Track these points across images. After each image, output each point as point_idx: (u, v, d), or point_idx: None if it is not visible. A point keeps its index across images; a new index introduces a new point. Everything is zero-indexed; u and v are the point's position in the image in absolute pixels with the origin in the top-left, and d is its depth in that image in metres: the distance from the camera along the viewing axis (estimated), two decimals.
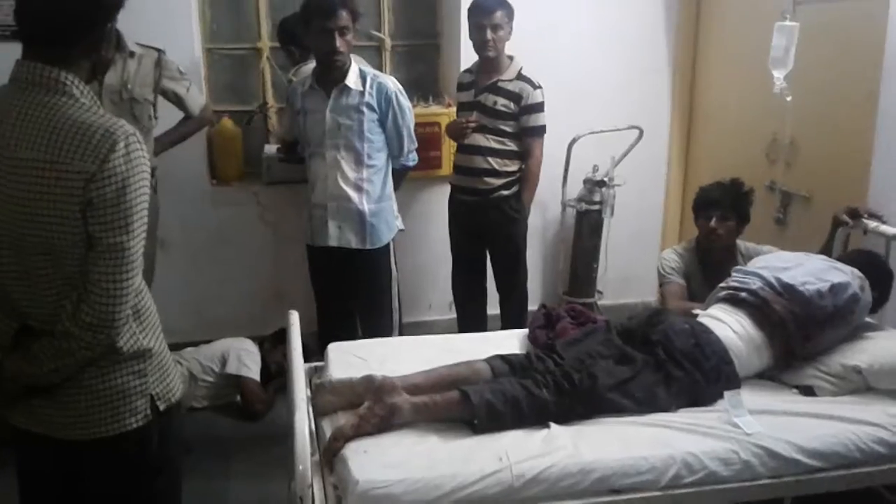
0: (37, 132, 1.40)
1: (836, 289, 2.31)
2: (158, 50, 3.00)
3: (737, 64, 3.84)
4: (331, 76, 2.89)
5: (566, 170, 3.97)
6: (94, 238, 1.41)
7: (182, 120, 3.22)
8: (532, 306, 3.57)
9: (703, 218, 2.88)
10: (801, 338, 2.28)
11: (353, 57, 2.95)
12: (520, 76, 3.31)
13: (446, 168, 3.75)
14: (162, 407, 1.62)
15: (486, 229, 3.46)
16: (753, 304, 2.33)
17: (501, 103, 3.29)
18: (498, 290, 3.61)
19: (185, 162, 3.65)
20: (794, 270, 2.39)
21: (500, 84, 3.30)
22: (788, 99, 3.04)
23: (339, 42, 2.79)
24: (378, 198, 3.00)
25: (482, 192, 3.37)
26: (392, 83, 2.96)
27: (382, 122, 2.96)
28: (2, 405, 1.59)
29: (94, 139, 1.39)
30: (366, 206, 2.96)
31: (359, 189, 2.95)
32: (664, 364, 2.17)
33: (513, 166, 3.37)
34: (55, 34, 1.44)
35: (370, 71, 2.97)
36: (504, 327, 3.43)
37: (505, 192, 3.38)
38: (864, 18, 2.99)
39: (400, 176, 3.18)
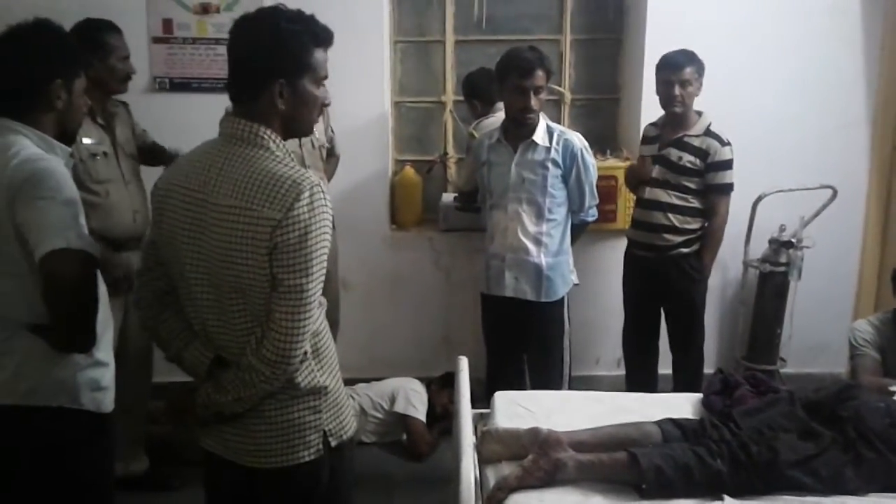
0: (236, 181, 1.54)
1: None
2: None
3: None
4: (518, 131, 2.97)
5: (750, 228, 3.79)
6: (277, 279, 1.51)
7: (328, 158, 3.37)
8: (707, 370, 3.42)
9: None
10: None
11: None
12: (707, 132, 3.23)
13: (621, 222, 3.71)
14: (334, 443, 1.69)
15: (663, 287, 3.36)
16: None
17: (687, 159, 3.22)
18: (672, 350, 3.49)
19: (369, 207, 3.87)
20: None
21: (686, 139, 3.24)
22: None
23: (533, 101, 2.86)
24: (556, 252, 3.02)
25: (660, 249, 3.30)
26: (578, 140, 3.00)
27: (566, 178, 2.99)
28: (194, 428, 1.73)
29: (282, 189, 1.50)
30: (543, 260, 2.99)
31: (538, 242, 2.99)
32: (854, 443, 2.02)
33: (694, 224, 3.28)
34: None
35: (557, 127, 3.03)
36: (675, 390, 3.31)
37: (685, 250, 3.29)
38: None
39: (579, 230, 3.19)
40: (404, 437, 3.48)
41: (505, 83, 2.90)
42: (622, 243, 3.55)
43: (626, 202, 3.66)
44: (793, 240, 3.67)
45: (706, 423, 2.16)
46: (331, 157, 3.41)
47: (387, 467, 3.35)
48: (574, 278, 3.14)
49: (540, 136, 2.95)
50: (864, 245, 4.01)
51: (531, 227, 2.98)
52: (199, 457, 1.78)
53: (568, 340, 3.18)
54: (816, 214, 3.71)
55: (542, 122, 2.99)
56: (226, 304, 1.58)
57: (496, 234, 3.05)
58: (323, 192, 1.54)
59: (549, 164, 2.94)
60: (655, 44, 3.53)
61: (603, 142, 4.03)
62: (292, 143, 1.74)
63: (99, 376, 1.84)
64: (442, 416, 3.49)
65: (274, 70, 1.56)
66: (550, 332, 3.08)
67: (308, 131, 1.71)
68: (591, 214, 3.15)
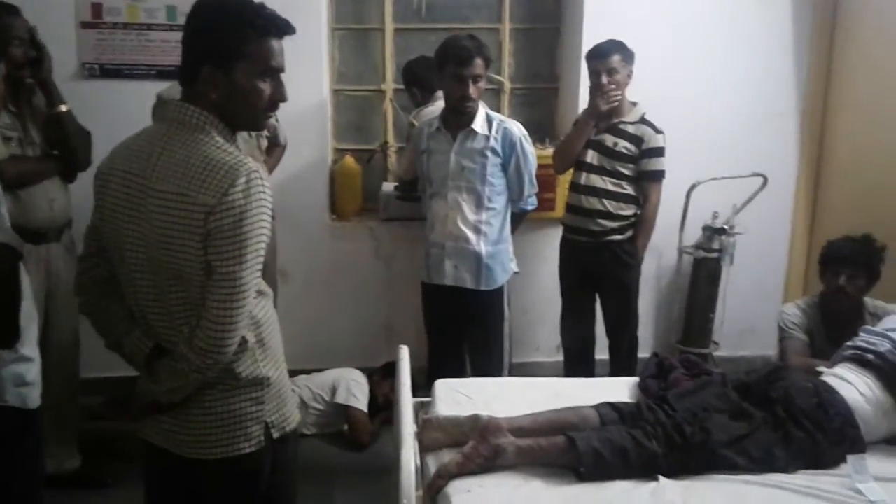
0: (174, 166, 1.50)
1: None
2: None
3: (872, 112, 3.66)
4: (458, 119, 2.96)
5: (684, 216, 3.88)
6: (211, 267, 1.48)
7: (271, 148, 3.35)
8: (643, 354, 3.49)
9: (831, 274, 2.76)
10: None
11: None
12: (642, 120, 3.29)
13: (560, 210, 3.74)
14: (276, 435, 1.67)
15: (598, 272, 3.42)
16: (881, 368, 2.20)
17: (622, 145, 3.27)
18: (608, 335, 3.55)
19: (308, 197, 3.83)
20: None
21: (621, 126, 3.29)
22: None
23: (471, 89, 2.86)
24: (496, 240, 3.03)
25: (595, 234, 3.35)
26: (517, 129, 3.01)
27: (505, 167, 3.00)
28: (133, 419, 1.70)
29: (218, 174, 1.47)
30: (483, 248, 3.00)
31: (477, 231, 3.00)
32: (784, 423, 2.09)
33: (628, 210, 3.33)
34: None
35: (496, 116, 3.03)
36: (613, 374, 3.38)
37: (618, 237, 3.34)
38: None
39: (518, 219, 3.20)
40: (346, 427, 3.46)
41: (443, 71, 2.89)
42: (560, 231, 3.58)
43: (564, 191, 3.69)
44: (725, 226, 3.78)
45: (642, 405, 2.21)
46: (274, 148, 3.35)
47: (328, 458, 3.33)
48: (514, 266, 3.16)
49: (479, 124, 2.95)
50: (793, 231, 4.15)
51: (471, 216, 2.98)
52: (136, 452, 1.74)
53: (508, 328, 3.21)
54: (748, 202, 3.82)
55: (482, 110, 3.00)
56: (165, 291, 1.54)
57: (436, 223, 3.05)
58: (261, 179, 1.51)
59: (489, 153, 2.95)
60: (592, 34, 3.57)
61: (542, 131, 4.05)
62: None
63: (24, 371, 1.78)
64: (384, 405, 3.49)
65: (202, 55, 1.52)
66: (490, 319, 3.09)
67: (251, 126, 1.66)
68: (531, 203, 3.17)
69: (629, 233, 3.35)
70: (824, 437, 2.06)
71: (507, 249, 3.11)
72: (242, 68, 1.53)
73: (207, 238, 1.47)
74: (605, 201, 3.31)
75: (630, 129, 3.28)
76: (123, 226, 1.56)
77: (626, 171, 3.29)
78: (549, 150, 3.75)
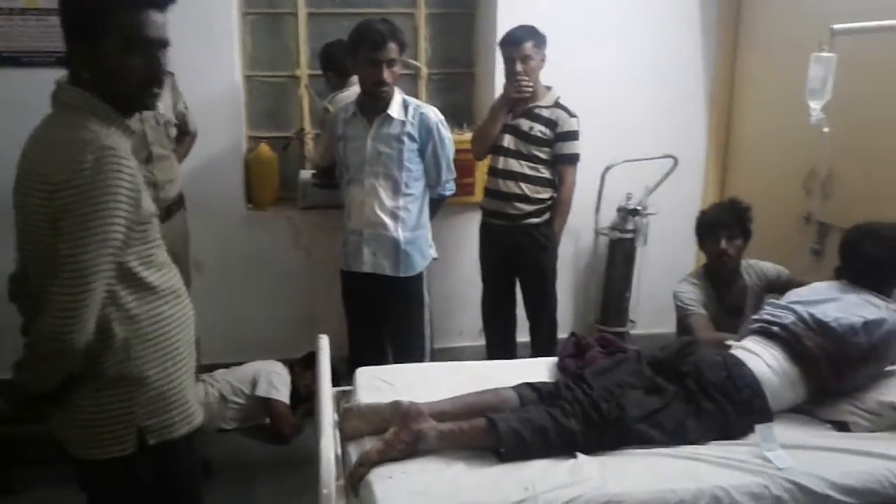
0: (35, 146, 1.46)
1: (869, 325, 2.25)
2: (171, 72, 3.07)
3: (774, 94, 3.81)
4: (374, 105, 2.93)
5: (599, 198, 3.96)
6: (55, 249, 1.40)
7: (181, 137, 3.22)
8: (563, 334, 3.53)
9: (711, 241, 2.92)
10: (833, 375, 2.24)
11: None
12: (557, 104, 3.33)
13: (479, 195, 3.76)
14: (152, 441, 1.56)
15: (516, 255, 3.45)
16: (785, 339, 2.29)
17: (538, 129, 3.30)
18: (528, 317, 3.60)
19: (222, 186, 3.73)
20: (827, 305, 2.34)
21: (536, 110, 3.32)
22: (826, 130, 3.01)
23: (386, 73, 2.83)
24: (414, 226, 3.02)
25: (513, 218, 3.38)
26: (434, 114, 3.00)
27: (422, 152, 2.98)
28: (21, 413, 1.62)
29: (67, 152, 1.40)
30: (401, 235, 2.98)
31: (395, 217, 2.98)
32: (695, 396, 2.15)
33: (545, 193, 3.37)
34: None
35: (413, 101, 3.01)
36: (533, 355, 3.42)
37: (536, 220, 3.38)
38: None
39: (437, 205, 3.20)
40: (268, 420, 3.40)
41: (357, 56, 2.85)
42: (479, 216, 3.60)
43: (483, 175, 3.71)
44: (638, 207, 3.87)
45: (560, 385, 2.23)
46: (184, 136, 3.25)
47: (250, 453, 3.27)
48: (433, 252, 3.16)
49: (395, 109, 2.93)
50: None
51: (388, 202, 2.96)
52: (47, 455, 1.68)
53: (428, 314, 3.20)
54: (659, 183, 3.92)
55: (398, 95, 2.97)
56: (43, 277, 1.46)
57: (353, 210, 3.02)
58: (117, 157, 1.42)
59: (405, 138, 2.92)
60: (506, 19, 3.60)
61: (459, 116, 4.06)
62: (134, 120, 1.61)
63: None
64: (306, 397, 3.43)
65: (70, 33, 1.46)
66: (410, 306, 3.09)
67: (132, 105, 1.56)
68: (449, 188, 3.17)
69: (546, 216, 3.40)
70: (733, 409, 2.13)
71: (426, 235, 3.11)
72: (107, 43, 1.45)
73: (55, 218, 1.39)
74: (522, 185, 3.35)
75: (545, 113, 3.31)
76: (17, 213, 1.51)
77: (542, 155, 3.33)
78: (467, 135, 3.76)
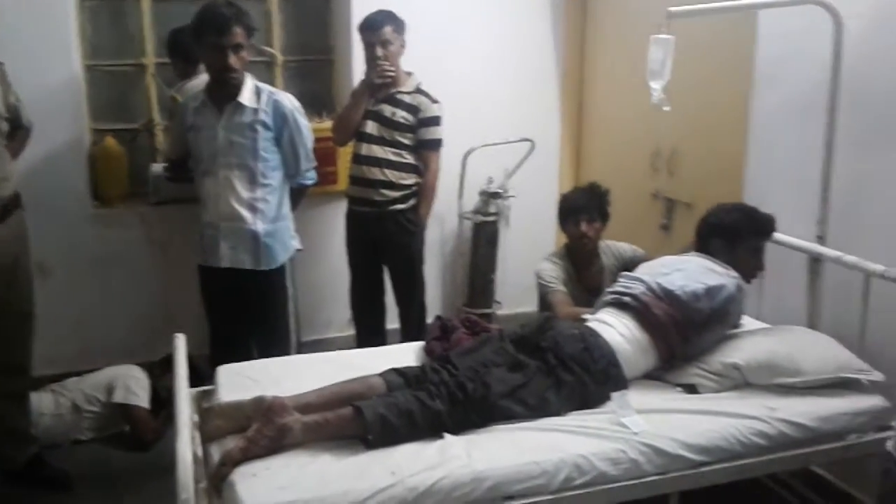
0: None
1: (711, 291, 2.40)
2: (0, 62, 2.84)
3: (620, 77, 3.98)
4: (223, 92, 2.82)
5: (462, 182, 4.01)
6: None
7: (14, 132, 2.93)
8: (432, 319, 3.58)
9: (572, 223, 3.03)
10: (680, 339, 2.37)
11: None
12: (418, 90, 3.33)
13: (342, 183, 3.71)
14: None
15: (383, 242, 3.44)
16: (636, 308, 2.40)
17: (400, 115, 3.30)
18: (397, 304, 3.60)
19: (65, 183, 3.50)
20: (673, 275, 2.47)
21: (398, 96, 3.31)
22: (667, 109, 3.16)
23: (232, 59, 2.73)
24: (274, 218, 2.94)
25: (378, 204, 3.36)
26: (289, 101, 2.92)
27: (278, 141, 2.90)
28: None
29: None
30: (260, 227, 2.90)
31: (253, 209, 2.89)
32: (554, 369, 2.21)
33: (409, 179, 3.37)
34: None
35: (266, 88, 2.91)
36: (404, 341, 3.42)
37: (401, 206, 3.38)
38: (735, 32, 3.15)
39: (298, 195, 3.12)
40: (127, 428, 3.24)
41: (201, 42, 2.74)
42: (345, 204, 3.56)
43: (346, 163, 3.66)
44: (500, 190, 3.95)
45: (427, 368, 2.25)
46: (17, 130, 3.00)
47: (110, 462, 3.11)
48: (296, 244, 3.10)
49: (247, 97, 2.83)
50: (560, 190, 4.40)
51: (244, 194, 2.87)
52: None
53: (293, 306, 3.15)
54: (518, 166, 4.02)
55: (250, 82, 2.88)
56: None
57: (209, 203, 2.91)
58: None
59: (259, 127, 2.84)
60: (362, 4, 3.56)
61: (319, 103, 4.00)
62: None
63: None
64: (168, 400, 3.29)
65: None
66: (273, 300, 3.02)
67: None
68: (310, 178, 3.11)
69: (412, 201, 3.40)
70: (591, 379, 2.21)
71: (288, 227, 3.03)
72: None
73: None
74: (386, 171, 3.33)
75: (407, 98, 3.31)
76: None
77: (406, 141, 3.33)
78: (327, 124, 3.70)
